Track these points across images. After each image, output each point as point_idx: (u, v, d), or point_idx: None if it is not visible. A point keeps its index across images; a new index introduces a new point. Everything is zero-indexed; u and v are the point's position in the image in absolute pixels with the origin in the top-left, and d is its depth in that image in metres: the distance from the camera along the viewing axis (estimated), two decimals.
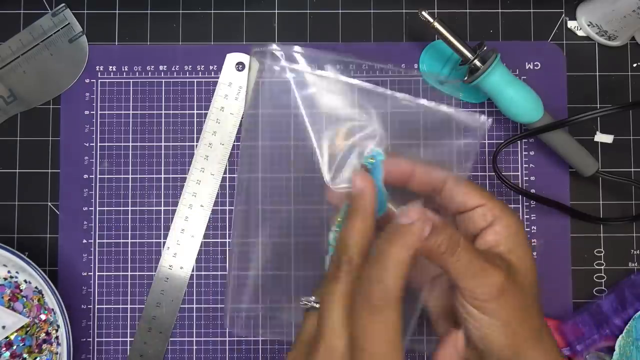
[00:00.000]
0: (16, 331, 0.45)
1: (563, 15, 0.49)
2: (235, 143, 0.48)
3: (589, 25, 0.48)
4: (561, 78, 0.48)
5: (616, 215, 0.48)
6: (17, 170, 0.48)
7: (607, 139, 0.47)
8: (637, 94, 0.48)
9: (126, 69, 0.48)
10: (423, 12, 0.43)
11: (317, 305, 0.31)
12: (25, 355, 0.45)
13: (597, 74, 0.49)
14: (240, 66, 0.48)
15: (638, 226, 0.48)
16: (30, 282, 0.46)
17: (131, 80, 0.48)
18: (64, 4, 0.47)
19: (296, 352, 0.32)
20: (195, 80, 0.48)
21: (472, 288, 0.33)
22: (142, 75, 0.48)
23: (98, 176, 0.47)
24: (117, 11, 0.48)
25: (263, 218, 0.40)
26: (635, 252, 0.48)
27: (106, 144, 0.48)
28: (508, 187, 0.46)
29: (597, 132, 0.47)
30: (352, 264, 0.30)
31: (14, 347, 0.45)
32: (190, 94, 0.48)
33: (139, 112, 0.48)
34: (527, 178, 0.48)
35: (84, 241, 0.47)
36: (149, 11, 0.49)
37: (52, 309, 0.45)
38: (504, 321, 0.33)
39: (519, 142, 0.48)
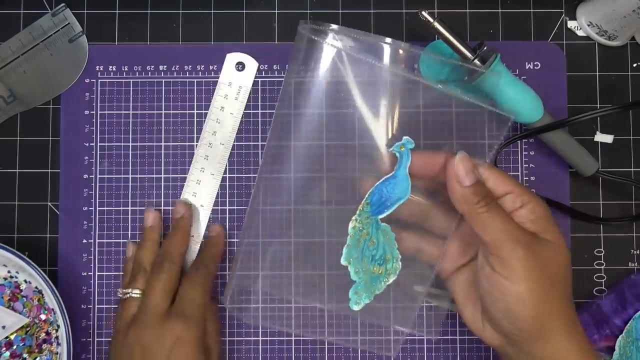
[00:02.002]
0: (16, 331, 0.45)
1: (563, 15, 0.49)
2: (236, 143, 0.48)
3: (589, 25, 0.48)
4: (561, 78, 0.48)
5: (616, 215, 0.48)
6: (17, 170, 0.48)
7: (607, 139, 0.47)
8: (637, 94, 0.48)
9: (126, 69, 0.48)
10: (423, 12, 0.43)
11: (136, 295, 0.42)
12: (25, 355, 0.45)
13: (597, 74, 0.49)
14: (240, 66, 0.48)
15: (638, 226, 0.48)
16: (30, 282, 0.46)
17: (131, 80, 0.48)
18: (64, 4, 0.47)
19: (121, 322, 0.41)
20: (195, 80, 0.48)
21: (498, 243, 0.35)
22: (142, 75, 0.48)
23: (98, 176, 0.47)
24: (117, 11, 0.48)
25: (295, 218, 0.42)
26: (635, 252, 0.48)
27: (106, 144, 0.48)
28: None
29: (597, 132, 0.47)
30: (172, 262, 0.42)
31: (14, 347, 0.44)
32: (190, 94, 0.48)
33: (139, 112, 0.48)
34: (527, 178, 0.48)
35: (84, 241, 0.47)
36: (149, 11, 0.49)
37: (52, 309, 0.45)
38: (529, 289, 0.34)
39: (519, 142, 0.48)
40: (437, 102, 0.40)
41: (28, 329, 0.45)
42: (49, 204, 0.47)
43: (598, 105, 0.48)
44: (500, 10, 0.49)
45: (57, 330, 0.45)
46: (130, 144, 0.48)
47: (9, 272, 0.46)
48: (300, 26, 0.40)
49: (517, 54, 0.48)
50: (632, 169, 0.48)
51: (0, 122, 0.48)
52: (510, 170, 0.48)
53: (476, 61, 0.43)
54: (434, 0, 0.49)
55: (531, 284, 0.34)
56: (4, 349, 0.44)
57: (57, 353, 0.45)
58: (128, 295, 0.42)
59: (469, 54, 0.43)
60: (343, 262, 0.41)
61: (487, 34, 0.49)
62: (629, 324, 0.45)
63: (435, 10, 0.49)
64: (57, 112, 0.48)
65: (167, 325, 0.39)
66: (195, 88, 0.48)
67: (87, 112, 0.48)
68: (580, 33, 0.49)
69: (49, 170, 0.47)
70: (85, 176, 0.47)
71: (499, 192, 0.37)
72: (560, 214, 0.47)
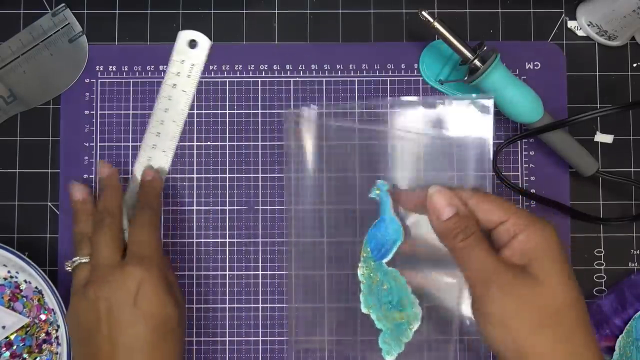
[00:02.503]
0: (16, 331, 0.45)
1: (563, 15, 0.49)
2: (188, 120, 0.47)
3: (589, 25, 0.48)
4: (561, 78, 0.48)
5: (616, 215, 0.48)
6: (17, 170, 0.48)
7: (607, 139, 0.47)
8: (637, 94, 0.48)
9: (126, 69, 0.48)
10: (423, 12, 0.43)
11: (84, 260, 0.41)
12: (25, 355, 0.45)
13: (597, 74, 0.49)
14: (192, 43, 0.48)
15: (638, 226, 0.48)
16: (30, 282, 0.46)
17: (131, 80, 0.48)
18: (64, 4, 0.47)
19: (76, 286, 0.41)
20: (203, 80, 0.48)
21: (474, 282, 0.33)
22: (142, 75, 0.48)
23: (98, 176, 0.47)
24: (117, 11, 0.48)
25: (328, 252, 0.44)
26: (635, 252, 0.48)
27: (106, 144, 0.48)
28: (508, 187, 0.46)
29: (597, 132, 0.47)
30: (111, 214, 0.42)
31: (14, 347, 0.45)
32: (197, 93, 0.48)
33: (139, 112, 0.48)
34: (527, 178, 0.48)
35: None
36: (149, 11, 0.49)
37: (52, 309, 0.45)
38: (506, 333, 0.32)
39: (519, 142, 0.48)
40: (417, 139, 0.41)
41: (28, 329, 0.45)
42: (49, 204, 0.47)
43: (598, 105, 0.48)
44: (500, 10, 0.49)
45: (57, 330, 0.45)
46: (130, 144, 0.48)
47: (9, 272, 0.46)
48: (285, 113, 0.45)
49: (517, 54, 0.48)
50: (632, 169, 0.48)
51: (0, 122, 0.48)
52: (510, 170, 0.48)
53: (476, 61, 0.43)
54: (434, 0, 0.49)
55: (509, 328, 0.32)
56: (4, 349, 0.44)
57: (57, 353, 0.45)
58: (77, 263, 0.41)
59: (469, 54, 0.43)
60: (363, 309, 0.41)
61: (487, 34, 0.49)
62: (629, 324, 0.45)
63: (435, 10, 0.49)
64: (57, 112, 0.48)
65: (126, 272, 0.39)
66: (203, 90, 0.48)
67: (87, 112, 0.48)
68: (580, 33, 0.49)
69: (49, 170, 0.47)
70: (85, 176, 0.47)
71: (491, 221, 0.35)
72: (560, 214, 0.47)
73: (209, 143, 0.48)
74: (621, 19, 0.45)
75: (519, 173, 0.48)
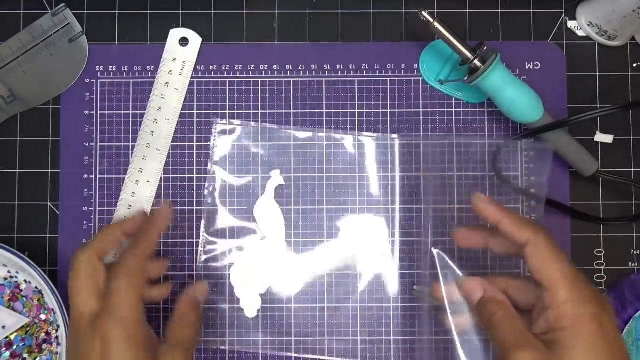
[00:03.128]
0: (16, 331, 0.45)
1: (563, 15, 0.49)
2: (188, 120, 0.47)
3: (589, 25, 0.48)
4: (561, 78, 0.48)
5: (616, 215, 0.48)
6: (17, 170, 0.48)
7: (607, 139, 0.47)
8: (637, 94, 0.48)
9: (126, 69, 0.48)
10: (423, 12, 0.43)
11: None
12: (25, 355, 0.45)
13: (597, 74, 0.49)
14: (183, 41, 0.48)
15: (638, 226, 0.48)
16: (30, 282, 0.46)
17: (131, 80, 0.48)
18: (64, 4, 0.47)
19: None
20: (195, 80, 0.48)
21: (500, 356, 0.34)
22: (142, 75, 0.48)
23: (98, 176, 0.47)
24: (117, 11, 0.48)
25: None
26: (635, 252, 0.48)
27: (106, 144, 0.48)
28: (508, 187, 0.46)
29: (597, 132, 0.47)
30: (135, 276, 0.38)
31: (14, 347, 0.45)
32: (189, 93, 0.48)
33: (139, 112, 0.48)
34: (527, 178, 0.48)
35: (84, 241, 0.47)
36: (148, 11, 0.49)
37: (52, 309, 0.45)
38: None
39: (519, 142, 0.48)
40: None
41: (28, 329, 0.45)
42: (49, 204, 0.47)
43: (598, 105, 0.48)
44: (500, 10, 0.49)
45: (57, 330, 0.45)
46: (130, 144, 0.48)
47: (9, 272, 0.46)
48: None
49: (517, 54, 0.48)
50: (632, 169, 0.48)
51: (0, 122, 0.48)
52: (510, 170, 0.48)
53: (476, 61, 0.43)
54: (434, 0, 0.49)
55: None
56: (4, 349, 0.44)
57: (57, 353, 0.45)
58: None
59: (469, 54, 0.43)
60: None
61: (487, 34, 0.49)
62: (629, 324, 0.45)
63: (435, 10, 0.49)
64: (57, 112, 0.48)
65: (95, 327, 0.35)
66: (195, 88, 0.48)
67: (87, 112, 0.48)
68: (580, 33, 0.49)
69: (49, 170, 0.47)
70: (85, 176, 0.47)
71: (526, 300, 0.38)
72: (560, 214, 0.47)
73: (208, 143, 0.48)
74: (621, 19, 0.45)
75: (519, 173, 0.48)
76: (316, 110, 0.48)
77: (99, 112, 0.48)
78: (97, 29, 0.48)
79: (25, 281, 0.46)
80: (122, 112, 0.48)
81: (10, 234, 0.47)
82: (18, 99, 0.47)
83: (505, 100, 0.44)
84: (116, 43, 0.48)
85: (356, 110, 0.48)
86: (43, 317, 0.45)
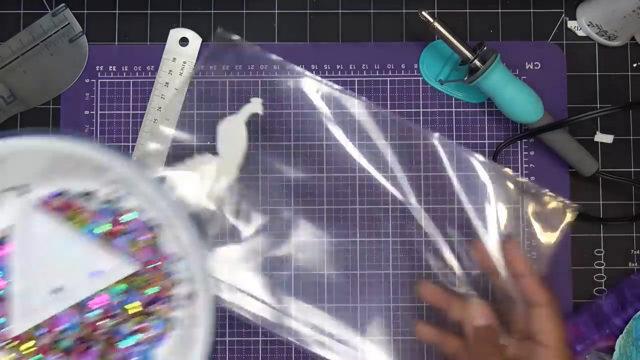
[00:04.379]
0: (117, 282, 0.31)
1: (563, 15, 0.49)
2: (188, 120, 0.47)
3: (589, 25, 0.48)
4: (561, 78, 0.48)
5: (616, 215, 0.48)
6: None
7: (607, 139, 0.47)
8: (637, 94, 0.48)
9: (126, 69, 0.48)
10: (423, 12, 0.43)
11: None
12: (123, 315, 0.30)
13: (597, 74, 0.49)
14: (183, 41, 0.48)
15: (638, 226, 0.48)
16: (144, 212, 0.31)
17: (131, 80, 0.48)
18: (64, 4, 0.47)
19: None
20: (195, 80, 0.48)
21: None
22: (142, 75, 0.48)
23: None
24: (117, 11, 0.48)
25: None
26: (635, 252, 0.48)
27: (106, 144, 0.48)
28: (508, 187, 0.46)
29: (597, 132, 0.47)
30: None
31: (110, 304, 0.30)
32: (190, 93, 0.48)
33: (139, 112, 0.48)
34: (527, 178, 0.48)
35: None
36: (148, 11, 0.49)
37: (174, 255, 0.31)
38: None
39: (519, 142, 0.48)
40: None
41: (133, 280, 0.31)
42: None
43: (598, 105, 0.48)
44: (500, 10, 0.49)
45: (178, 286, 0.31)
46: (130, 144, 0.48)
47: (112, 191, 0.32)
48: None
49: (517, 54, 0.48)
50: (632, 169, 0.48)
51: (0, 122, 0.48)
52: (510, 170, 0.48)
53: (476, 61, 0.43)
54: (434, 0, 0.49)
55: None
56: (96, 305, 0.30)
57: (170, 320, 0.31)
58: None
59: (469, 54, 0.43)
60: None
61: (487, 34, 0.49)
62: (629, 324, 0.45)
63: (435, 10, 0.49)
64: (57, 112, 0.48)
65: None
66: (195, 88, 0.48)
67: (87, 112, 0.48)
68: (580, 33, 0.49)
69: None
70: None
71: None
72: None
73: (209, 143, 0.48)
74: (621, 19, 0.45)
75: (519, 173, 0.48)
76: (316, 111, 0.48)
77: (99, 112, 0.48)
78: (97, 29, 0.48)
79: (136, 210, 0.32)
80: (122, 112, 0.48)
81: None
82: (18, 99, 0.47)
83: (505, 100, 0.44)
84: (116, 43, 0.48)
85: (356, 110, 0.48)
86: (158, 264, 0.32)
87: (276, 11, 0.49)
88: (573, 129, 0.47)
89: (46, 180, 0.30)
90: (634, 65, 0.49)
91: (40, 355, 0.30)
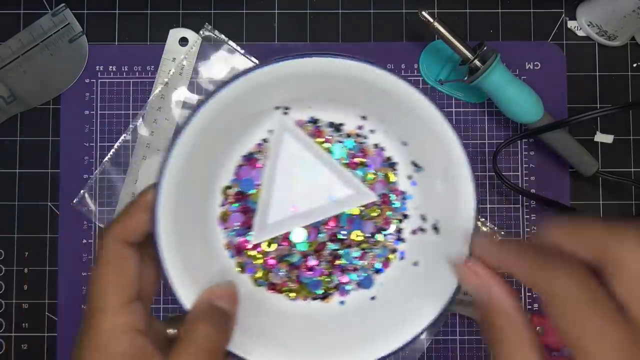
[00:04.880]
0: (349, 210, 0.33)
1: (563, 15, 0.49)
2: (179, 120, 0.47)
3: (589, 25, 0.48)
4: (561, 78, 0.48)
5: (616, 215, 0.48)
6: (17, 170, 0.48)
7: (607, 139, 0.47)
8: (637, 94, 0.48)
9: (126, 69, 0.48)
10: (423, 12, 0.43)
11: None
12: (348, 242, 0.32)
13: (597, 74, 0.49)
14: (183, 41, 0.48)
15: None
16: (382, 149, 0.32)
17: (131, 80, 0.48)
18: (64, 4, 0.47)
19: None
20: (195, 80, 0.48)
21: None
22: (142, 75, 0.48)
23: (98, 176, 0.47)
24: (117, 11, 0.48)
25: None
26: None
27: (106, 144, 0.48)
28: (508, 187, 0.46)
29: (597, 132, 0.47)
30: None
31: (338, 229, 0.33)
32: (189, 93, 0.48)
33: (138, 112, 0.48)
34: (527, 178, 0.48)
35: (84, 241, 0.47)
36: (148, 11, 0.49)
37: (405, 193, 0.33)
38: None
39: (519, 142, 0.48)
40: None
41: (364, 208, 0.33)
42: (49, 204, 0.47)
43: (598, 105, 0.48)
44: (500, 10, 0.49)
45: (401, 222, 0.33)
46: (130, 144, 0.48)
47: (364, 120, 0.32)
48: None
49: (517, 54, 0.48)
50: (632, 169, 0.48)
51: (0, 122, 0.48)
52: (510, 170, 0.48)
53: (476, 61, 0.43)
54: (434, 0, 0.49)
55: None
56: (326, 227, 0.32)
57: (395, 252, 0.33)
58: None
59: (469, 54, 0.43)
60: None
61: (487, 34, 0.49)
62: None
63: (435, 10, 0.49)
64: (57, 112, 0.48)
65: None
66: (195, 88, 0.48)
67: (87, 112, 0.48)
68: (580, 33, 0.49)
69: (49, 170, 0.47)
70: (85, 176, 0.47)
71: None
72: (561, 214, 0.47)
73: None
74: (621, 19, 0.45)
75: (519, 173, 0.48)
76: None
77: (99, 112, 0.48)
78: (97, 29, 0.48)
79: (378, 145, 0.32)
80: (122, 112, 0.48)
81: (11, 233, 0.47)
82: (18, 99, 0.47)
83: (505, 100, 0.44)
84: (116, 43, 0.48)
85: None
86: (393, 197, 0.33)
87: (276, 11, 0.49)
88: (573, 129, 0.47)
89: (303, 107, 0.32)
90: (634, 65, 0.49)
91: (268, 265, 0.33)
